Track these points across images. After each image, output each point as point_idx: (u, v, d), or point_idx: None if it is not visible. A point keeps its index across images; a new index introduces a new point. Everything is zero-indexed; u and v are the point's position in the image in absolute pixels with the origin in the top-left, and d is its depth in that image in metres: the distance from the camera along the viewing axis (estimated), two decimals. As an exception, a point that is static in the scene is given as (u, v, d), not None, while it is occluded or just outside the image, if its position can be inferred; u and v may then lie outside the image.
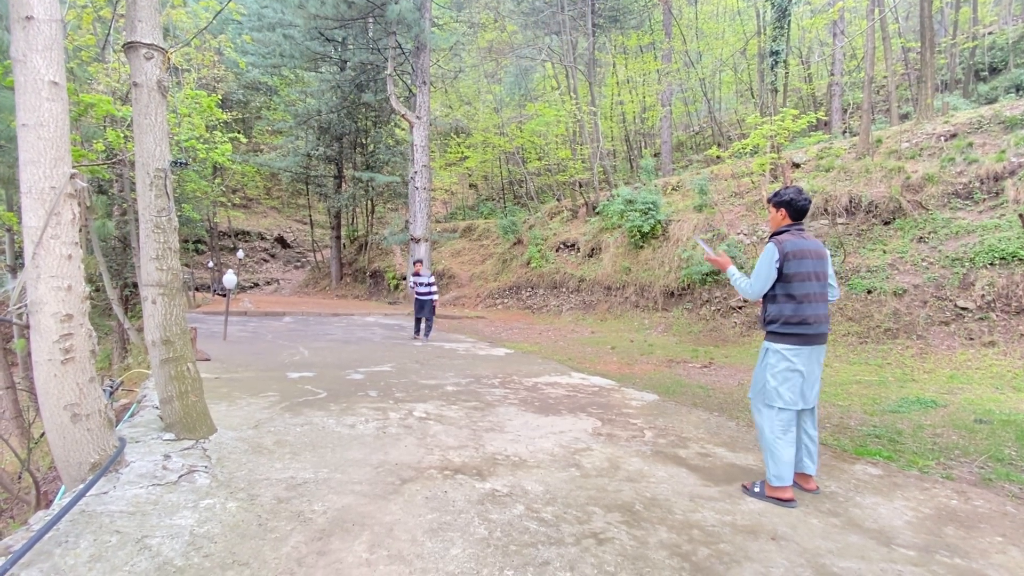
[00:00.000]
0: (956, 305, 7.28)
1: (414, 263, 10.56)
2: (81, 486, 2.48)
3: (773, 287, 2.91)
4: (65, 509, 2.24)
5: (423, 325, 9.62)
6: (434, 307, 9.60)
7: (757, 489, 2.93)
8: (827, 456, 3.69)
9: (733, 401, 5.37)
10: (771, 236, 2.98)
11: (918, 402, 5.09)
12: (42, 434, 7.19)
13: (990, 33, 17.59)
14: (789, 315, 2.85)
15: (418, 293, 9.56)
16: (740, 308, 9.77)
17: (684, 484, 3.07)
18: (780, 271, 2.86)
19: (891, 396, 5.43)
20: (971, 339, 6.87)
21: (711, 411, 4.92)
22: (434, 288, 9.58)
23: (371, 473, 3.03)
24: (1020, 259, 7.10)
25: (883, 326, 7.61)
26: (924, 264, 8.05)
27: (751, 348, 8.48)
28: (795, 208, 2.94)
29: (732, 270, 3.14)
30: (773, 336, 2.92)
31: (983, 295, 7.12)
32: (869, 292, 8.11)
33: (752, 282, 2.95)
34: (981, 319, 6.98)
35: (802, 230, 2.96)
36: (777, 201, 2.99)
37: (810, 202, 2.97)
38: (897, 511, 2.80)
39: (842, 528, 2.58)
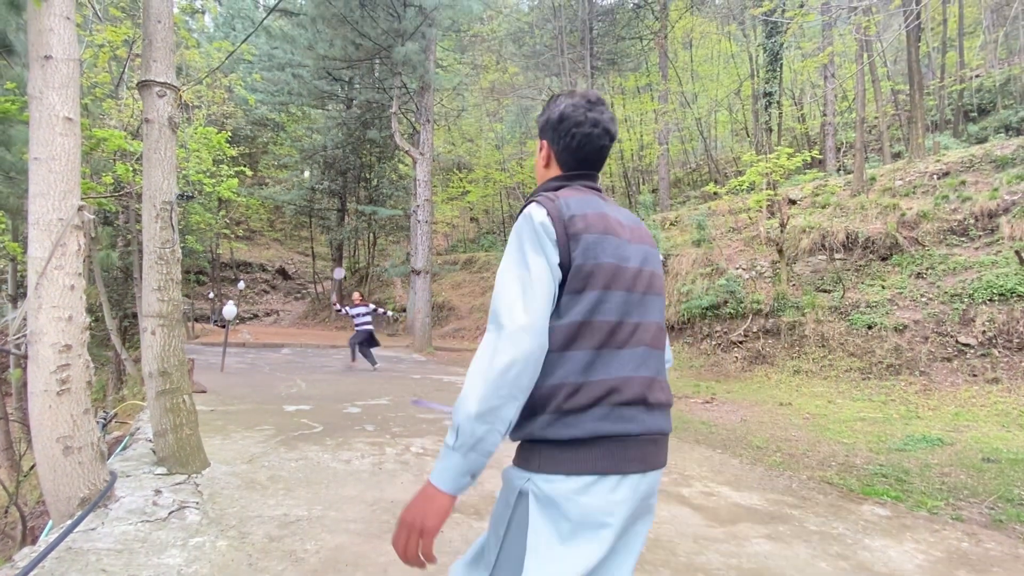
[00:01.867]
0: (957, 341, 7.25)
1: (352, 295, 11.12)
2: (69, 522, 2.42)
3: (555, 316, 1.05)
4: (51, 546, 2.18)
5: (360, 351, 10.09)
6: (371, 335, 10.18)
7: None
8: (834, 496, 3.60)
9: (736, 438, 5.28)
10: (530, 197, 1.18)
11: (924, 440, 5.01)
12: (32, 467, 7.04)
13: (977, 76, 18.18)
14: (579, 382, 1.02)
15: (357, 324, 10.16)
16: (741, 343, 9.72)
17: (688, 524, 2.99)
18: (565, 262, 1.04)
19: (896, 433, 5.34)
20: (974, 376, 6.81)
21: (714, 448, 4.83)
22: (369, 318, 10.18)
23: (366, 511, 2.95)
24: (1019, 295, 7.11)
25: (885, 362, 7.56)
26: (923, 300, 8.07)
27: (753, 383, 8.40)
28: (572, 138, 1.18)
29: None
30: (535, 455, 1.07)
31: (984, 331, 7.10)
32: (870, 327, 8.09)
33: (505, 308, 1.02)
34: (983, 355, 6.94)
35: (598, 190, 1.21)
36: (542, 126, 1.24)
37: (609, 133, 1.21)
38: (907, 554, 2.71)
39: (852, 572, 2.50)
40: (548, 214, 1.06)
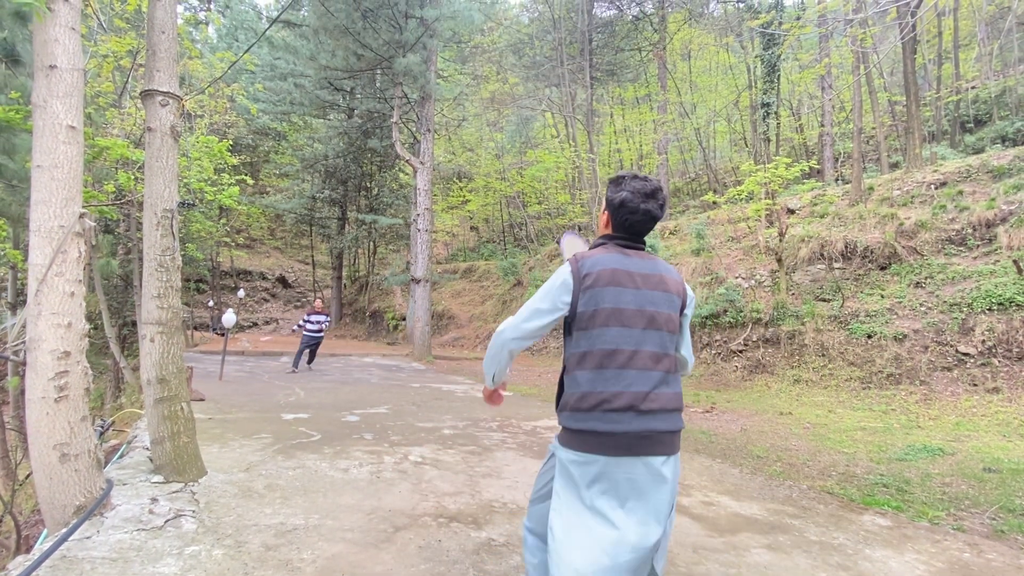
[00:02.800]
0: (957, 351, 7.24)
1: (315, 301, 11.34)
2: (64, 530, 2.40)
3: (572, 342, 1.62)
4: (45, 555, 2.16)
5: (305, 357, 10.51)
6: (317, 345, 10.60)
7: None
8: (834, 506, 3.58)
9: (736, 447, 5.25)
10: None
11: (925, 450, 4.99)
12: (28, 476, 7.00)
13: (973, 87, 18.33)
14: (584, 392, 1.54)
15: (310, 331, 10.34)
16: (741, 352, 9.71)
17: (687, 534, 2.97)
18: (573, 307, 1.58)
19: (897, 443, 5.32)
20: (975, 385, 6.79)
21: (714, 458, 4.81)
22: (324, 328, 10.49)
23: (363, 520, 2.94)
24: (1018, 305, 7.12)
25: (885, 371, 7.55)
26: (923, 309, 8.07)
27: (753, 392, 8.38)
28: (622, 217, 1.66)
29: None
30: (561, 434, 1.63)
31: (983, 341, 7.10)
32: (869, 336, 8.09)
33: (513, 322, 1.67)
34: (983, 365, 6.93)
35: (638, 248, 1.68)
36: (608, 198, 1.71)
37: (654, 219, 1.66)
38: (909, 565, 2.70)
39: (852, 583, 2.48)
40: (571, 272, 1.61)
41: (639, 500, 1.50)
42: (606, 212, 1.72)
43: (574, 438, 1.55)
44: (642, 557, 1.47)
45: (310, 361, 10.67)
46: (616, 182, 1.70)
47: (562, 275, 1.61)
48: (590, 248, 1.73)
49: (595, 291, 1.55)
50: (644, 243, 1.71)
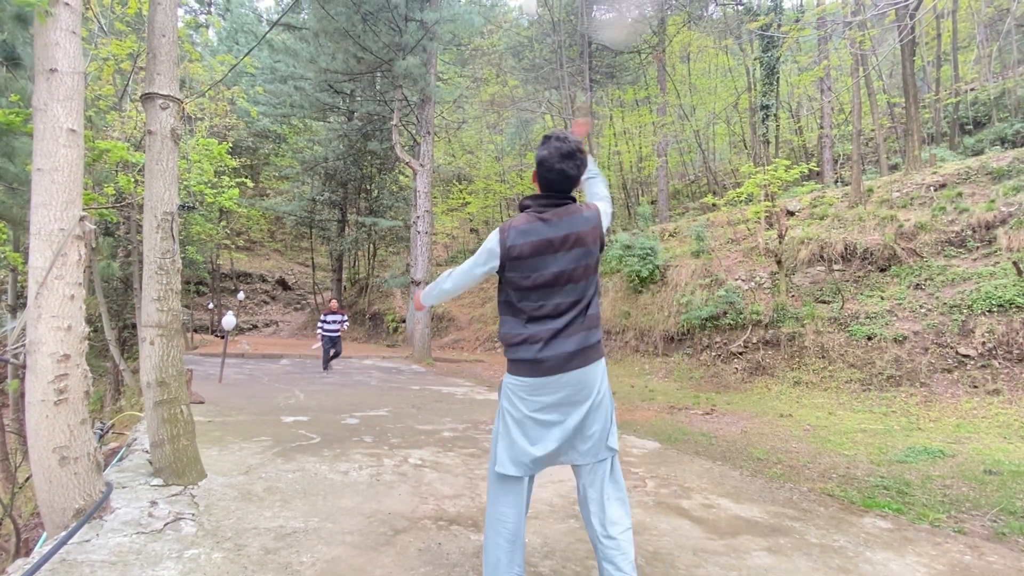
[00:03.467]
0: (957, 352, 7.24)
1: (330, 302, 11.55)
2: (63, 533, 2.40)
3: (501, 293, 1.99)
4: (45, 558, 2.16)
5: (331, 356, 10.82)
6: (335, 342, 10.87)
7: None
8: (835, 508, 3.58)
9: (736, 450, 5.25)
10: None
11: (925, 452, 4.98)
12: (27, 479, 6.99)
13: (972, 90, 18.36)
14: (516, 333, 1.92)
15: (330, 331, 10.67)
16: (741, 354, 9.70)
17: (687, 537, 2.97)
18: (502, 270, 1.92)
19: (897, 445, 5.31)
20: (975, 387, 6.79)
21: (714, 460, 4.80)
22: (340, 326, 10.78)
23: (363, 523, 2.93)
24: (1018, 306, 7.12)
25: (885, 373, 7.54)
26: (923, 311, 8.07)
27: (753, 395, 8.37)
28: (543, 176, 1.89)
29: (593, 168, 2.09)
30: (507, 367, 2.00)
31: (984, 342, 7.09)
32: (869, 338, 8.09)
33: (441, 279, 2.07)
34: (983, 367, 6.93)
35: (559, 205, 1.89)
36: (536, 156, 1.94)
37: (569, 177, 1.86)
38: (909, 567, 2.69)
39: (853, 585, 2.47)
40: (499, 242, 1.89)
41: (573, 412, 1.89)
42: (535, 171, 1.93)
43: (512, 366, 1.94)
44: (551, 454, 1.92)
45: (332, 357, 10.84)
46: (542, 141, 1.91)
47: (491, 243, 1.90)
48: (519, 206, 1.99)
49: (520, 262, 1.86)
50: (570, 198, 1.91)
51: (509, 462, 1.91)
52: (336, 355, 10.92)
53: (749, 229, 12.40)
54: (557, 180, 1.86)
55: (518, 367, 1.91)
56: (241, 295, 24.03)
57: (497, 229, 1.91)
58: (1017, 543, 3.07)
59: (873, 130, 16.35)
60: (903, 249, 9.35)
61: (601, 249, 1.95)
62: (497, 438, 1.98)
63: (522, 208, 1.96)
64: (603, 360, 1.96)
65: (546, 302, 1.87)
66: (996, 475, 4.29)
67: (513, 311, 1.93)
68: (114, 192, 9.26)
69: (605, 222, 1.93)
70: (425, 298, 2.20)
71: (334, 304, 10.96)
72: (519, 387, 1.91)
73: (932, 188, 10.71)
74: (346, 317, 11.02)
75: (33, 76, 2.70)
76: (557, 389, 1.87)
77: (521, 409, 1.91)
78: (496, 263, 1.90)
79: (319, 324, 10.73)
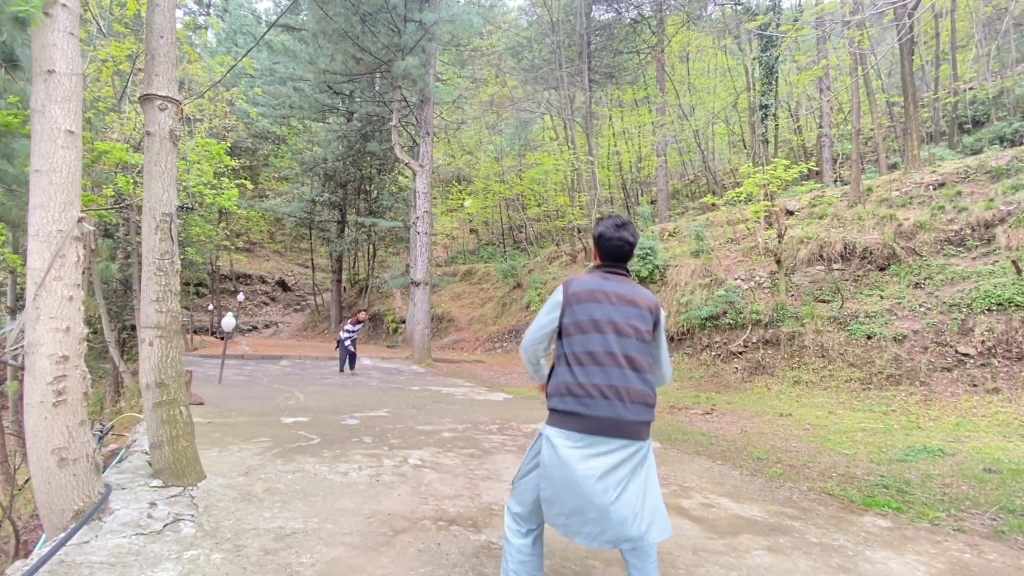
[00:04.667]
0: (957, 351, 7.24)
1: (359, 313, 11.81)
2: (62, 535, 2.40)
3: (560, 345, 2.05)
4: (43, 559, 2.16)
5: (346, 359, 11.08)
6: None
7: None
8: (835, 507, 3.58)
9: (736, 449, 5.25)
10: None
11: (925, 450, 4.98)
12: (27, 481, 6.99)
13: (971, 89, 18.37)
14: (567, 382, 1.94)
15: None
16: (740, 354, 9.71)
17: (687, 536, 2.97)
18: (562, 318, 2.04)
19: (897, 444, 5.31)
20: (975, 386, 6.79)
21: (714, 459, 4.80)
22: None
23: (363, 523, 2.93)
24: (1017, 305, 7.12)
25: (885, 372, 7.54)
26: (922, 310, 8.07)
27: (753, 394, 8.37)
28: (603, 247, 2.12)
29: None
30: (549, 415, 2.02)
31: (983, 341, 7.10)
32: (869, 337, 8.09)
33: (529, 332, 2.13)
34: (983, 365, 6.93)
35: (619, 274, 2.10)
36: (593, 235, 2.18)
37: (627, 242, 2.09)
38: (909, 566, 2.69)
39: (852, 584, 2.47)
40: (563, 292, 2.06)
41: (607, 477, 1.86)
42: (594, 247, 2.18)
43: (555, 417, 1.95)
44: (609, 532, 1.86)
45: (349, 365, 11.04)
46: (597, 223, 2.19)
47: (555, 295, 2.09)
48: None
49: (577, 306, 2.00)
50: (627, 270, 2.13)
51: None
52: (350, 363, 11.11)
53: (748, 229, 12.40)
54: (617, 247, 2.08)
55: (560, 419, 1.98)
56: (241, 296, 24.02)
57: (561, 282, 2.12)
58: (1016, 541, 3.07)
59: (872, 129, 16.36)
60: (902, 248, 9.35)
61: (655, 328, 2.06)
62: None
63: (589, 271, 2.18)
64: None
65: (596, 348, 1.94)
66: (995, 473, 4.29)
67: (565, 359, 2.00)
68: (113, 193, 9.26)
69: (661, 316, 2.09)
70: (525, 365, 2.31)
71: (363, 315, 11.46)
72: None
73: (931, 187, 10.71)
74: (357, 325, 11.27)
75: (31, 77, 2.70)
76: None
77: None
78: (559, 311, 2.05)
79: (347, 332, 11.06)
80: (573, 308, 2.00)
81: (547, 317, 2.06)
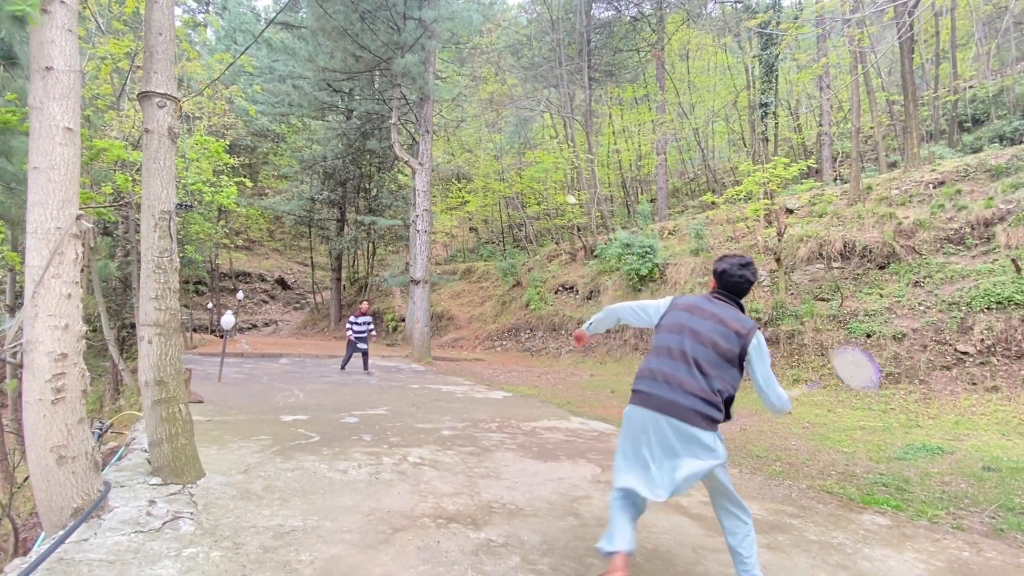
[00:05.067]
0: (956, 350, 7.25)
1: (361, 304, 11.46)
2: (61, 532, 2.40)
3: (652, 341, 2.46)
4: (42, 557, 2.16)
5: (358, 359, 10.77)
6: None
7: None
8: (833, 505, 3.58)
9: (736, 447, 5.25)
10: None
11: (924, 449, 4.99)
12: (26, 479, 6.99)
13: (971, 87, 18.36)
14: (643, 368, 2.34)
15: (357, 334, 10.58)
16: (740, 352, 9.70)
17: (686, 534, 2.97)
18: (661, 318, 2.41)
19: (896, 442, 5.32)
20: (974, 384, 6.80)
21: (713, 457, 4.81)
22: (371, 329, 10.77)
23: (362, 521, 2.93)
24: (1016, 303, 7.12)
25: (885, 370, 7.55)
26: (922, 308, 8.07)
27: (752, 392, 8.37)
28: (722, 281, 2.41)
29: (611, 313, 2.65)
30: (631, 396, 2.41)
31: (982, 340, 7.10)
32: (868, 336, 8.09)
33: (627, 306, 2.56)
34: (982, 364, 6.94)
35: (726, 301, 2.37)
36: (713, 270, 2.50)
37: (747, 280, 2.37)
38: (908, 564, 2.69)
39: (851, 582, 2.47)
40: (671, 301, 2.43)
41: (659, 450, 2.20)
42: (713, 279, 2.49)
43: (633, 396, 2.32)
44: (665, 486, 2.17)
45: (363, 365, 10.72)
46: (719, 259, 2.47)
47: (665, 300, 2.49)
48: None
49: (673, 311, 2.38)
50: (739, 304, 2.38)
51: None
52: (365, 359, 10.72)
53: (748, 227, 12.39)
54: (736, 284, 2.37)
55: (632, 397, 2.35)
56: (240, 294, 23.99)
57: (673, 297, 2.50)
58: (1015, 539, 3.07)
59: (872, 128, 16.34)
60: (902, 247, 9.35)
61: (742, 357, 2.24)
62: None
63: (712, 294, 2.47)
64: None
65: (674, 347, 2.27)
66: (994, 472, 4.30)
67: (653, 350, 2.37)
68: (112, 191, 9.24)
69: (757, 341, 2.25)
70: (592, 326, 2.68)
71: (365, 306, 10.93)
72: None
73: (931, 186, 10.71)
74: (371, 323, 10.84)
75: (29, 75, 2.69)
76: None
77: None
78: (663, 310, 2.42)
79: (348, 324, 10.69)
80: (671, 313, 2.38)
81: (647, 310, 2.46)
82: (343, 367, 10.74)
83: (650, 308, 2.46)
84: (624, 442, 2.30)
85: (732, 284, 2.38)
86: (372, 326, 10.76)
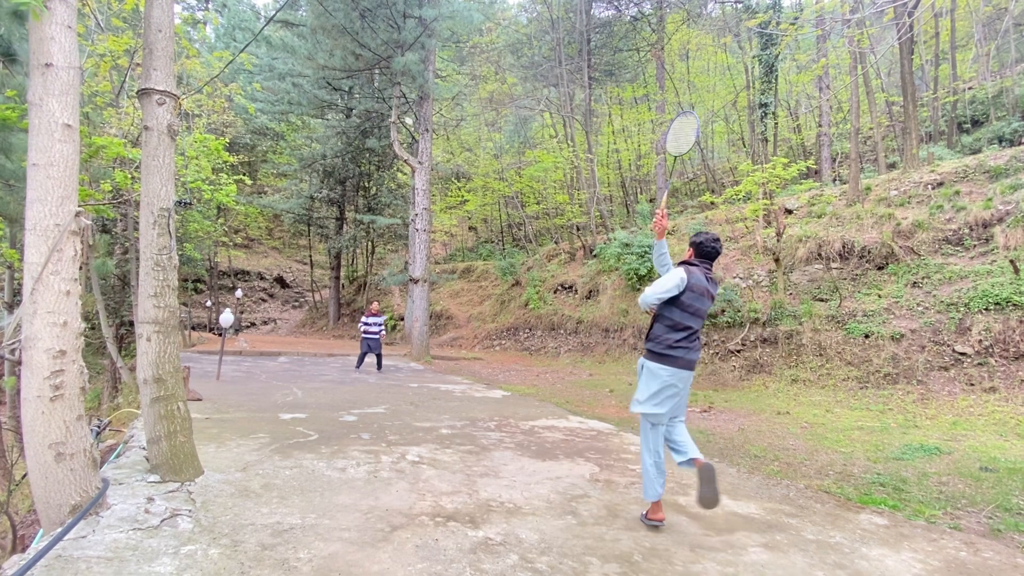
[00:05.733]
0: (954, 350, 7.26)
1: (371, 304, 11.66)
2: (59, 529, 2.40)
3: (667, 309, 3.11)
4: (40, 554, 2.16)
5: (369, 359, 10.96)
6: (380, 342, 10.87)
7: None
8: (831, 505, 3.59)
9: (734, 447, 5.26)
10: (680, 263, 3.27)
11: (922, 449, 5.00)
12: (24, 476, 6.98)
13: (970, 88, 18.38)
14: (670, 340, 3.11)
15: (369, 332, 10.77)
16: (738, 352, 9.72)
17: (685, 533, 2.98)
18: (678, 297, 3.07)
19: (894, 443, 5.33)
20: (972, 385, 6.81)
21: (711, 457, 4.81)
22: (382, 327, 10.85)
23: (360, 519, 2.93)
24: (1015, 304, 7.14)
25: (883, 371, 7.56)
26: (920, 309, 8.09)
27: (751, 392, 8.39)
28: (700, 250, 3.21)
29: (662, 246, 3.30)
30: (649, 355, 3.17)
31: (980, 340, 7.12)
32: (867, 336, 8.11)
33: (652, 291, 3.11)
34: (980, 364, 6.95)
35: (709, 269, 3.23)
36: (690, 242, 3.28)
37: (717, 251, 3.22)
38: (905, 563, 2.70)
39: (848, 581, 2.48)
40: (684, 279, 3.06)
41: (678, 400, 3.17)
42: (691, 249, 3.26)
43: (656, 356, 3.12)
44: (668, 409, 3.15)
45: (376, 365, 10.87)
46: (695, 235, 3.27)
47: (680, 276, 3.06)
48: (686, 264, 3.21)
49: (689, 293, 3.07)
50: (710, 266, 3.24)
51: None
52: (378, 359, 10.84)
53: (747, 227, 12.40)
54: (711, 252, 3.21)
55: (663, 359, 3.10)
56: (239, 292, 23.95)
57: (682, 269, 3.11)
58: (1012, 539, 3.08)
59: (871, 128, 16.36)
60: (900, 247, 9.37)
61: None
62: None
63: (689, 262, 3.21)
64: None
65: (688, 323, 3.10)
66: (992, 472, 4.31)
67: (669, 323, 3.12)
68: (111, 188, 9.22)
69: (716, 290, 3.29)
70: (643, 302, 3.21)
71: (375, 306, 11.08)
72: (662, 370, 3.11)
73: (930, 186, 10.72)
74: (383, 323, 10.89)
75: (29, 71, 2.69)
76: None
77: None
78: (682, 287, 3.04)
79: (361, 324, 10.83)
80: (687, 294, 3.05)
81: (669, 289, 3.04)
82: (358, 366, 10.93)
83: (666, 288, 3.06)
84: (668, 389, 3.18)
85: (707, 252, 3.21)
86: (383, 326, 10.88)
